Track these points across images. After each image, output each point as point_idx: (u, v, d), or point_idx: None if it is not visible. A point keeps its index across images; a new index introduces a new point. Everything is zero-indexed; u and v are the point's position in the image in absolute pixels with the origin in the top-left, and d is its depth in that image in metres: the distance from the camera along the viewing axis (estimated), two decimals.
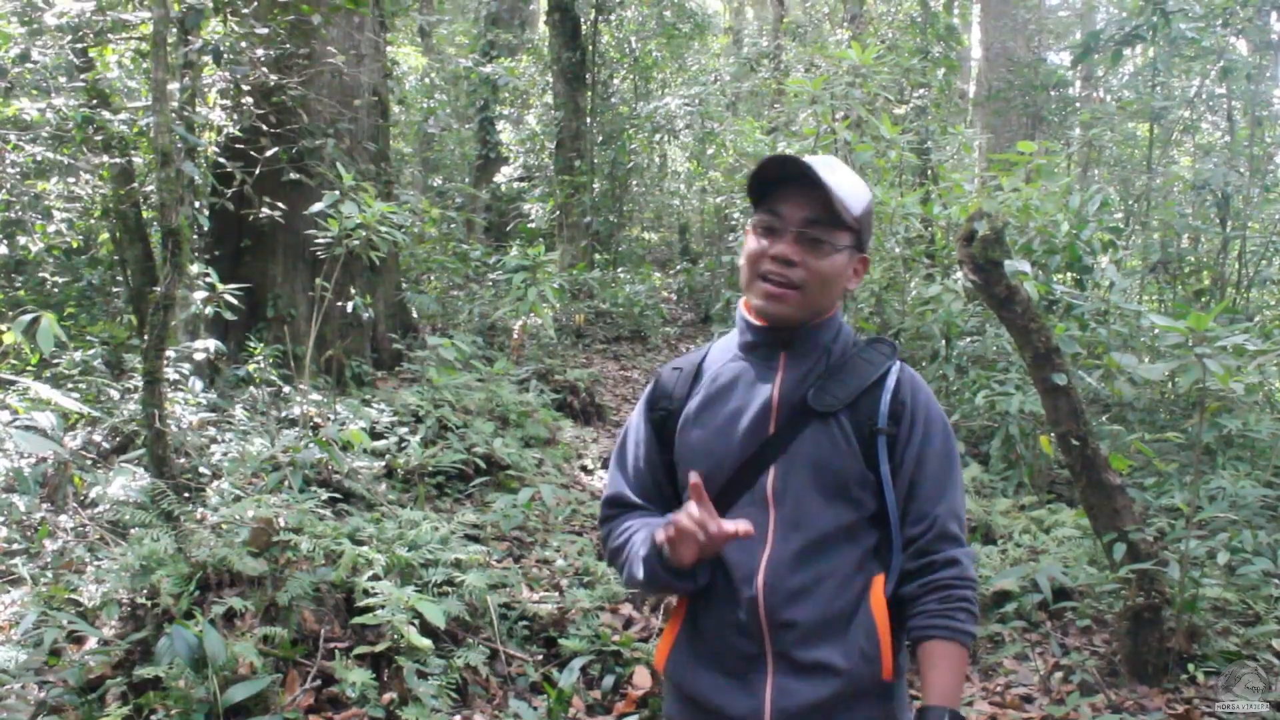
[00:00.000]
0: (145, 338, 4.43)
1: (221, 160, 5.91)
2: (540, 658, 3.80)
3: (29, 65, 5.22)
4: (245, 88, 6.03)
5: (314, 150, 6.47)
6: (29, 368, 5.62)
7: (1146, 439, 5.24)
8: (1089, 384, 5.83)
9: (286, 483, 4.37)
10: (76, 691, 3.01)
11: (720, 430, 1.65)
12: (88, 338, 6.19)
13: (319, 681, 3.25)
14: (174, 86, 5.20)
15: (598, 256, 12.70)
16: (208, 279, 5.24)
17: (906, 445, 1.61)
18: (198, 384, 5.28)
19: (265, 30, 5.85)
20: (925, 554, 1.59)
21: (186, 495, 4.19)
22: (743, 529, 1.48)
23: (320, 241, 5.58)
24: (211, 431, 4.97)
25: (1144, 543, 3.82)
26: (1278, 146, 9.20)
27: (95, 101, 5.58)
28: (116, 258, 6.68)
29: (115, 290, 7.03)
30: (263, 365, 5.90)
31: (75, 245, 6.89)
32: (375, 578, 3.58)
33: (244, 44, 5.86)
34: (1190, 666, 3.76)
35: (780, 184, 1.61)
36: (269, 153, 6.08)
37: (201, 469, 4.53)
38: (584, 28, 12.81)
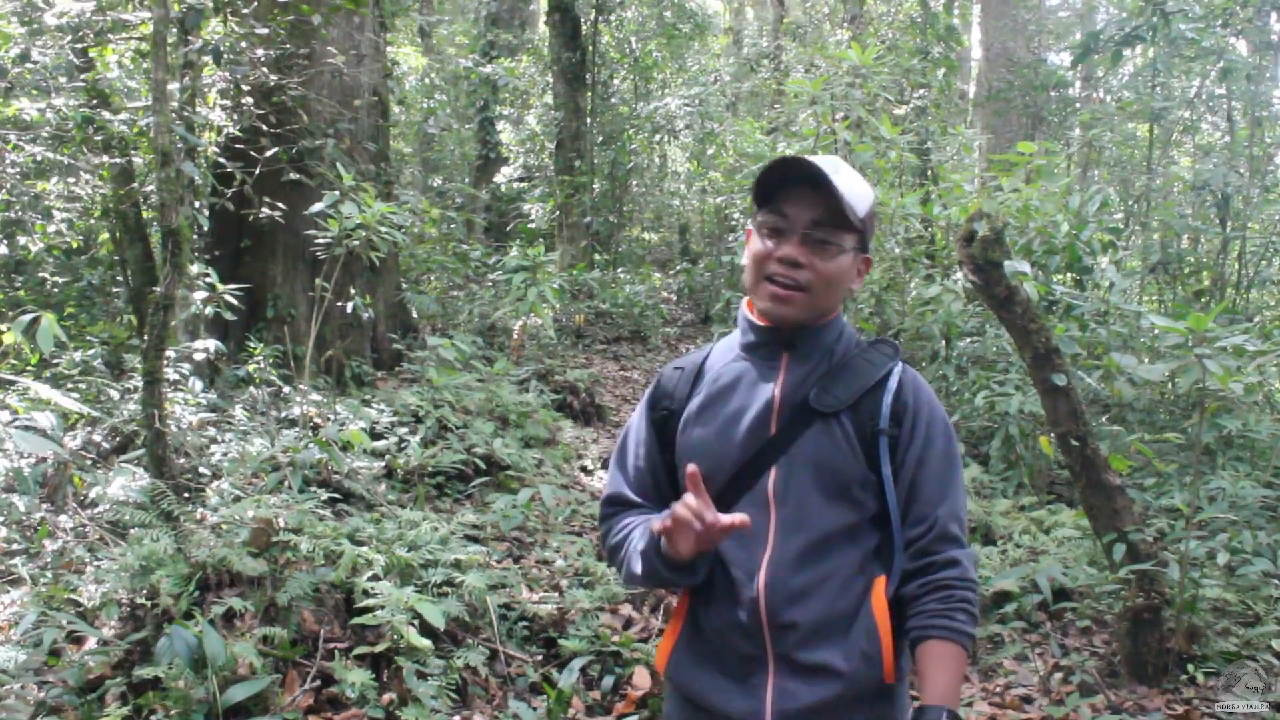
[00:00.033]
0: (145, 338, 4.43)
1: (221, 160, 5.91)
2: (540, 658, 3.80)
3: (29, 65, 5.22)
4: (245, 88, 6.03)
5: (314, 150, 6.47)
6: (29, 368, 5.62)
7: (1146, 439, 5.24)
8: (1089, 384, 5.83)
9: (286, 483, 4.37)
10: (76, 692, 3.01)
11: (721, 430, 1.65)
12: (88, 338, 6.19)
13: (318, 682, 3.25)
14: (174, 86, 5.20)
15: (598, 257, 12.70)
16: (208, 279, 5.24)
17: (908, 446, 1.61)
18: (198, 384, 5.28)
19: (265, 30, 5.86)
20: (926, 554, 1.59)
21: (186, 495, 4.19)
22: (739, 520, 1.48)
23: (320, 242, 5.58)
24: (211, 432, 4.97)
25: (1144, 543, 3.82)
26: (1277, 147, 9.20)
27: (95, 101, 5.59)
28: (116, 258, 6.68)
29: (115, 290, 7.03)
30: (262, 365, 5.90)
31: (75, 245, 6.89)
32: (375, 578, 3.58)
33: (244, 44, 5.86)
34: (1190, 667, 3.76)
35: (786, 185, 1.61)
36: (269, 153, 6.08)
37: (201, 469, 4.53)
38: (584, 28, 12.81)
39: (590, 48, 12.97)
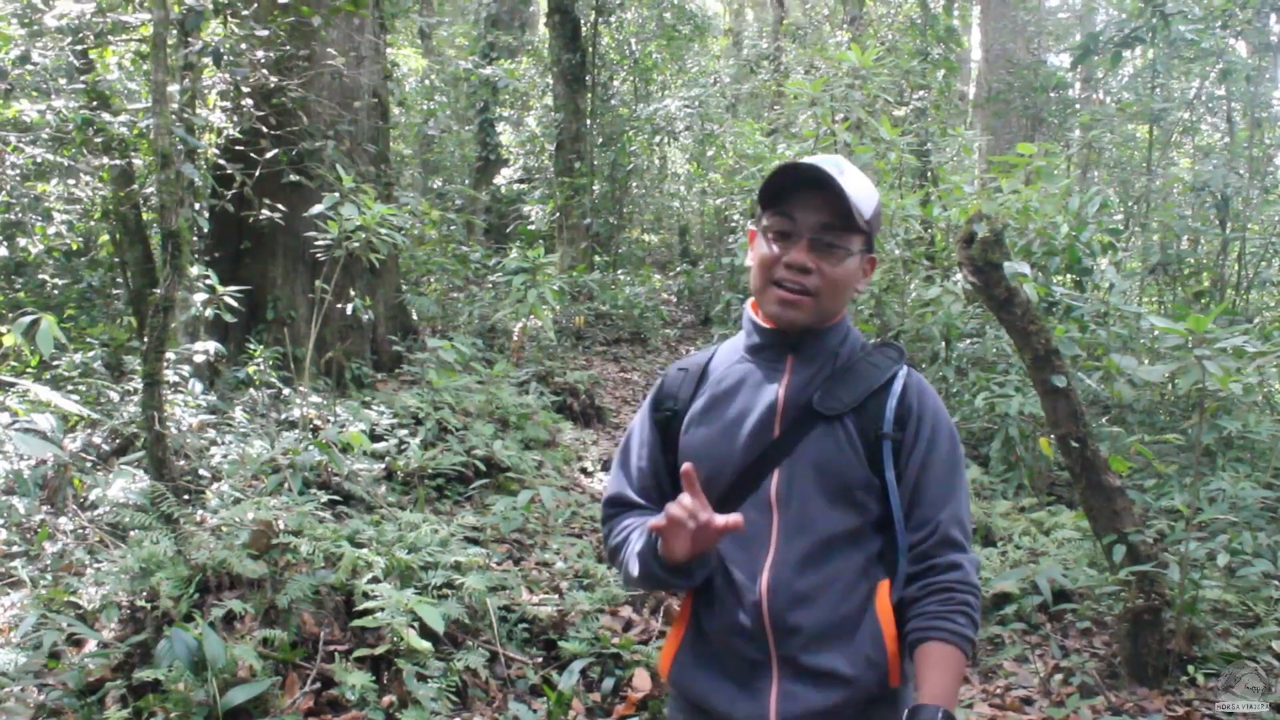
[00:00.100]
0: (145, 340, 4.43)
1: (221, 162, 5.91)
2: (540, 660, 3.80)
3: (29, 67, 5.22)
4: (245, 89, 6.03)
5: (314, 152, 6.47)
6: (29, 370, 5.62)
7: (1146, 441, 5.24)
8: (1089, 386, 5.83)
9: (286, 485, 4.37)
10: (76, 694, 3.01)
11: (725, 432, 1.65)
12: (87, 340, 6.19)
13: (318, 684, 3.25)
14: (174, 88, 5.20)
15: (597, 258, 12.70)
16: (208, 281, 5.24)
17: (912, 450, 1.60)
18: (197, 386, 5.28)
19: (265, 32, 5.86)
20: (927, 558, 1.58)
21: (186, 497, 4.18)
22: (732, 521, 1.47)
23: (320, 243, 5.58)
24: (211, 434, 4.97)
25: (1144, 544, 3.82)
26: (1277, 148, 9.20)
27: (95, 103, 5.59)
28: (116, 260, 6.68)
29: (115, 292, 7.03)
30: (262, 367, 5.90)
31: (75, 247, 6.89)
32: (375, 580, 3.58)
33: (244, 46, 5.86)
34: (1190, 668, 3.76)
35: (792, 188, 1.60)
36: (269, 155, 6.08)
37: (201, 471, 4.52)
38: (584, 29, 12.81)
39: (590, 49, 12.97)
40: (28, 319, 3.61)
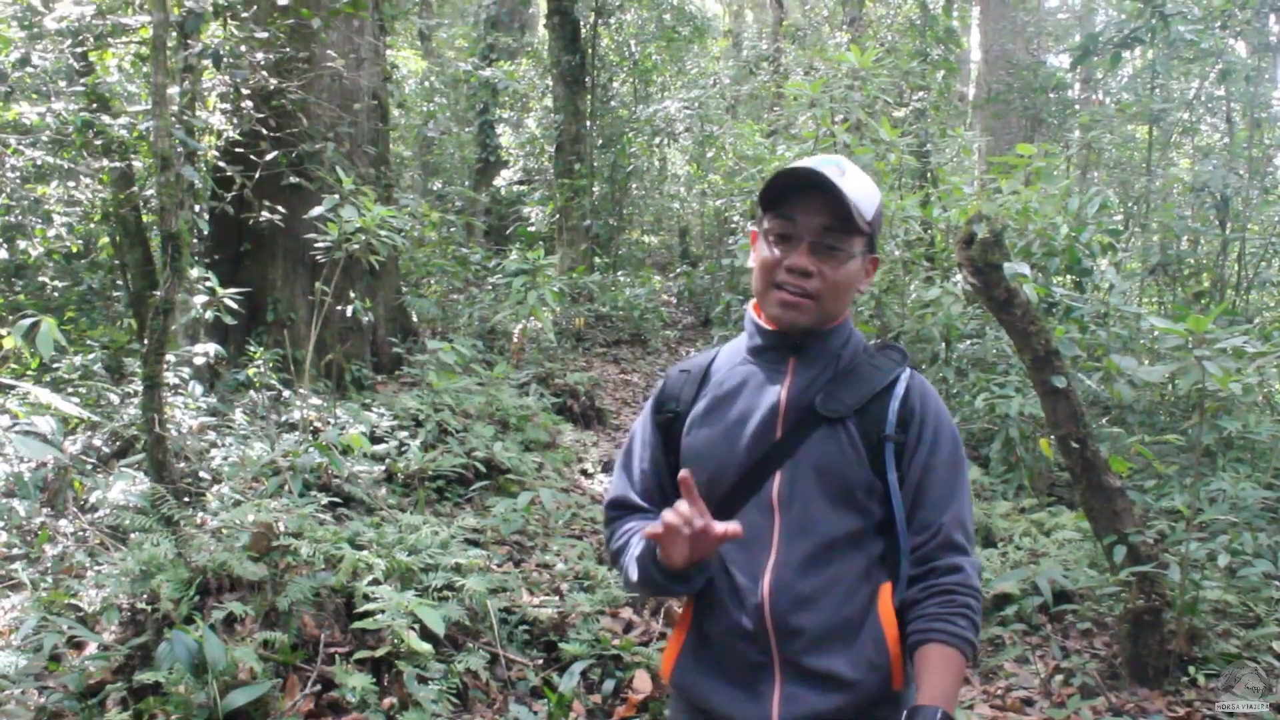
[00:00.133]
0: (145, 342, 4.43)
1: (221, 164, 5.91)
2: (540, 662, 3.80)
3: (29, 69, 5.22)
4: (245, 92, 6.03)
5: (314, 154, 6.47)
6: (29, 372, 5.62)
7: (1146, 441, 5.24)
8: (1089, 386, 5.83)
9: (286, 487, 4.37)
10: (76, 697, 3.01)
11: (727, 434, 1.65)
12: (88, 342, 6.19)
13: (319, 686, 3.25)
14: (174, 90, 5.20)
15: (597, 260, 12.71)
16: (208, 283, 5.24)
17: (914, 453, 1.60)
18: (198, 388, 5.28)
19: (265, 34, 5.86)
20: (929, 560, 1.58)
21: (186, 500, 4.18)
22: (730, 529, 1.47)
23: (320, 245, 5.58)
24: (211, 436, 4.97)
25: (1144, 545, 3.82)
26: (1277, 148, 9.20)
27: (95, 106, 5.59)
28: (116, 262, 6.69)
29: (115, 294, 7.03)
30: (262, 369, 5.90)
31: (75, 249, 6.90)
32: (375, 582, 3.58)
33: (243, 48, 5.87)
34: (1191, 669, 3.76)
35: (793, 190, 1.60)
36: (269, 157, 6.08)
37: (201, 473, 4.52)
38: (584, 31, 12.82)
39: (590, 51, 12.98)
40: (28, 321, 3.61)
